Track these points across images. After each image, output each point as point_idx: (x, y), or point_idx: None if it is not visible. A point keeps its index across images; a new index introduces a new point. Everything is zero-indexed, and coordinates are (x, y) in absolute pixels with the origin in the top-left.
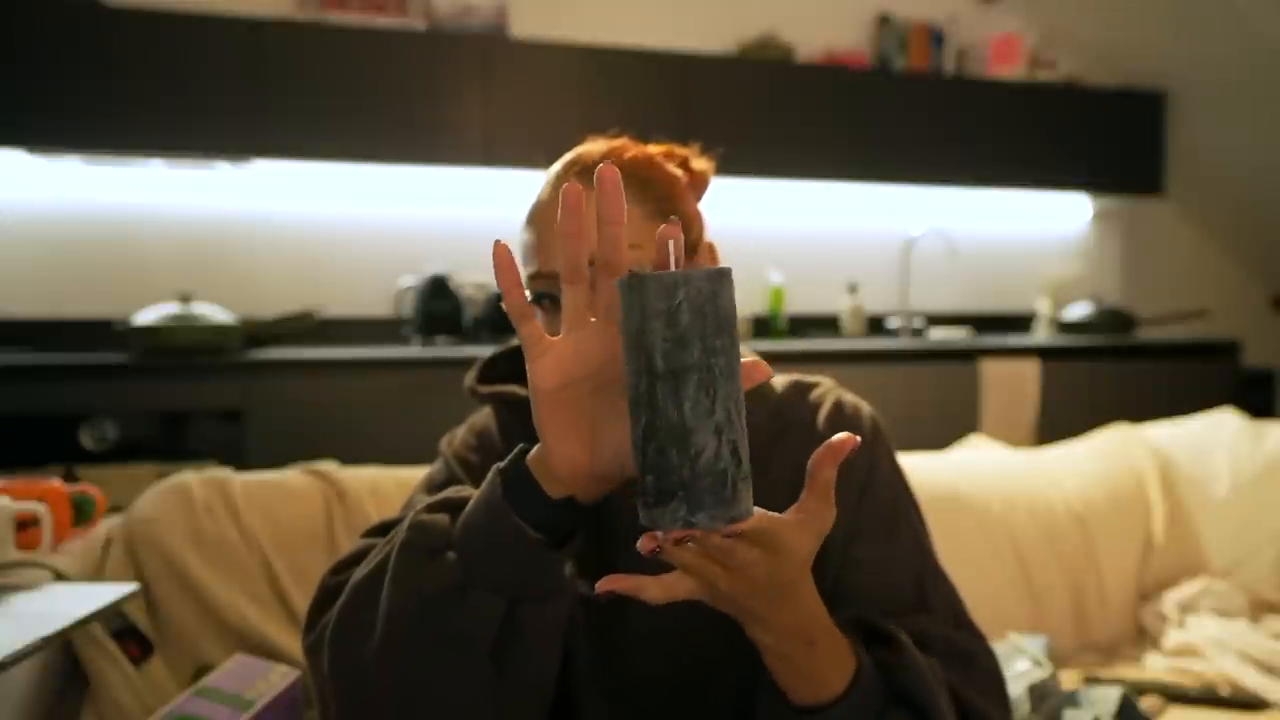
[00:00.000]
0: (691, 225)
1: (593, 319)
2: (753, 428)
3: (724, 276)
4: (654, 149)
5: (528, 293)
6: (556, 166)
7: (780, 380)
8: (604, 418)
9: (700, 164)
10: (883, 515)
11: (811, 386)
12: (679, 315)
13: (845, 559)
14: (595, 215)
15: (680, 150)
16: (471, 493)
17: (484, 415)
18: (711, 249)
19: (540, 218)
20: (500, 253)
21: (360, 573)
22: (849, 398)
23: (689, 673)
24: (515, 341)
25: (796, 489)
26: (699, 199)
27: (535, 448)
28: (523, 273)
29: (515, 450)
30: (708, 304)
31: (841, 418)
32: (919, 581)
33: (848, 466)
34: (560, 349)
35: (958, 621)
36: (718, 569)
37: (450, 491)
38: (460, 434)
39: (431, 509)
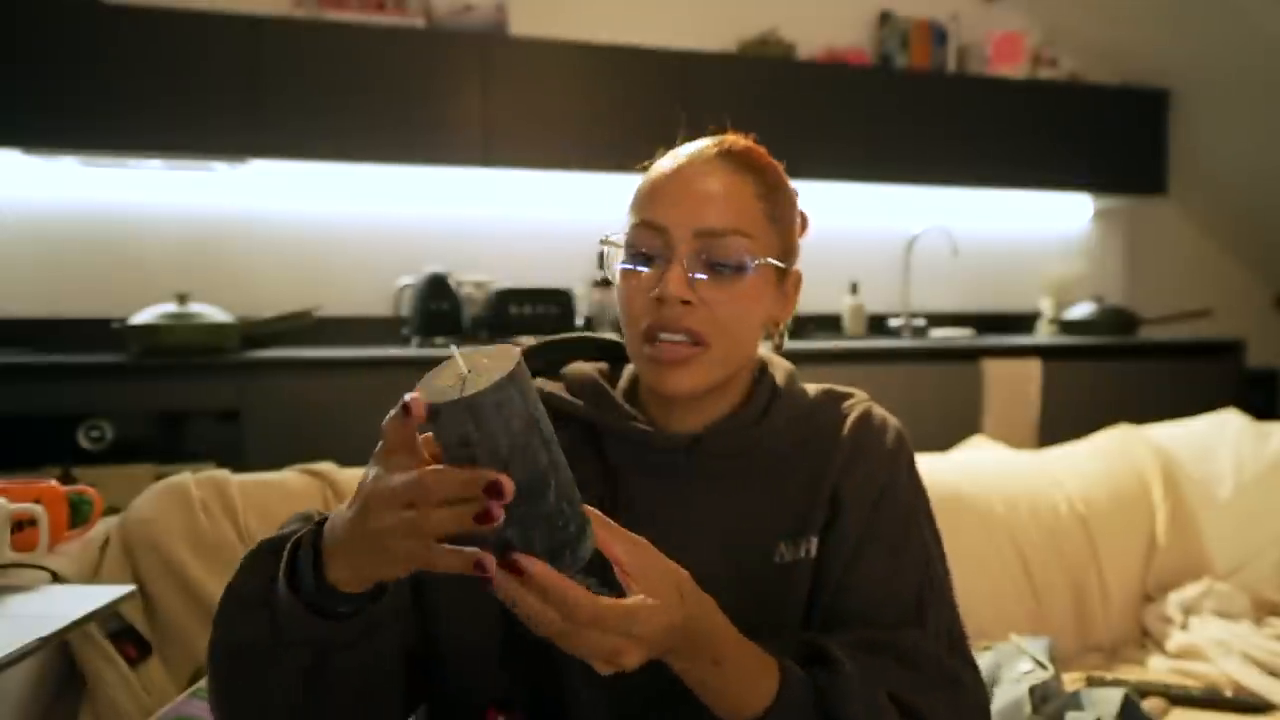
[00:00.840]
0: (792, 247)
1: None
2: (772, 435)
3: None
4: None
5: (624, 240)
6: (696, 145)
7: (814, 388)
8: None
9: (800, 206)
10: (894, 527)
11: (844, 397)
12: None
13: (851, 566)
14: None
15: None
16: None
17: None
18: (797, 283)
19: (654, 180)
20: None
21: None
22: (879, 411)
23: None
24: (547, 338)
25: (813, 495)
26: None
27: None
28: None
29: (308, 532)
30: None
31: (867, 429)
32: (920, 597)
33: (867, 477)
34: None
35: (951, 645)
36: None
37: (294, 523)
38: None
39: (260, 553)
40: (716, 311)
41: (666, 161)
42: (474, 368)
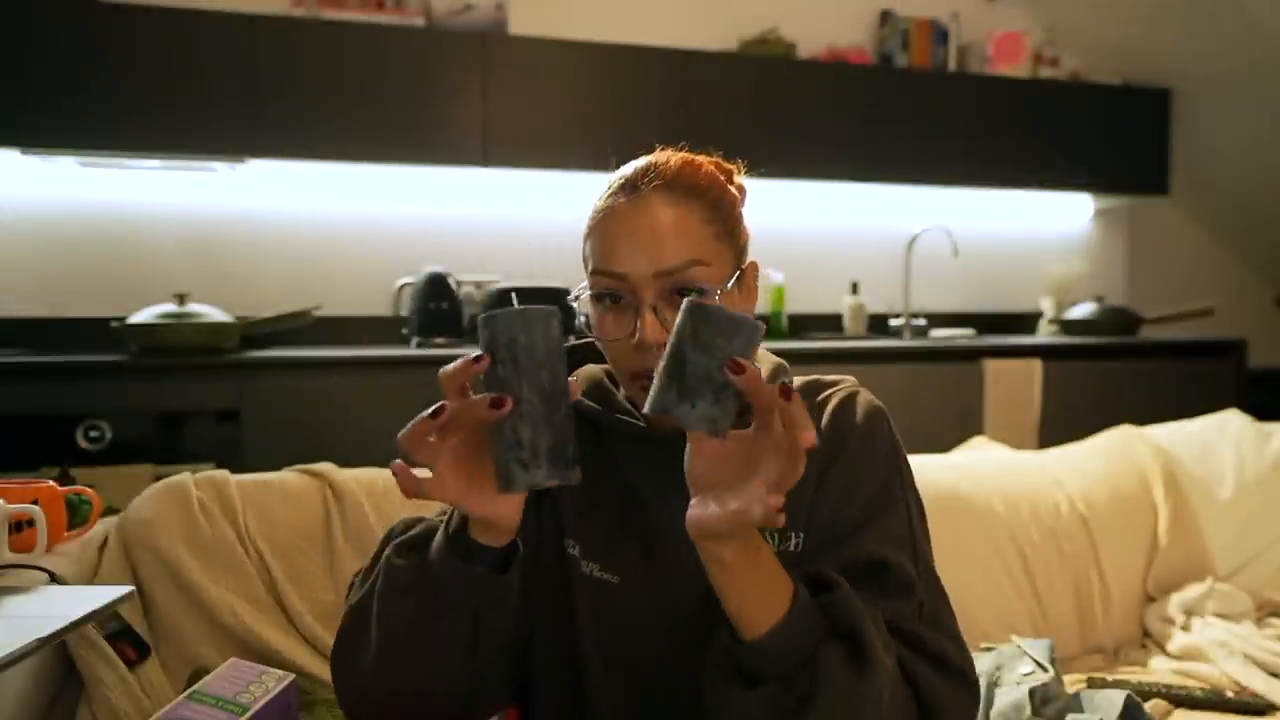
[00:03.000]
0: (744, 249)
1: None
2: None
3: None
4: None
5: (590, 290)
6: (627, 170)
7: (799, 380)
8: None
9: (739, 180)
10: (873, 511)
11: (825, 387)
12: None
13: (834, 557)
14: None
15: (726, 165)
16: (433, 529)
17: None
18: (754, 268)
19: (604, 224)
20: (399, 476)
21: (350, 602)
22: (861, 397)
23: (682, 645)
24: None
25: (797, 488)
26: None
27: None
28: (588, 269)
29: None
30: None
31: (842, 418)
32: (902, 574)
33: (845, 465)
34: (446, 485)
35: (935, 621)
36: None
37: (421, 529)
38: None
39: (400, 551)
40: None
41: (610, 202)
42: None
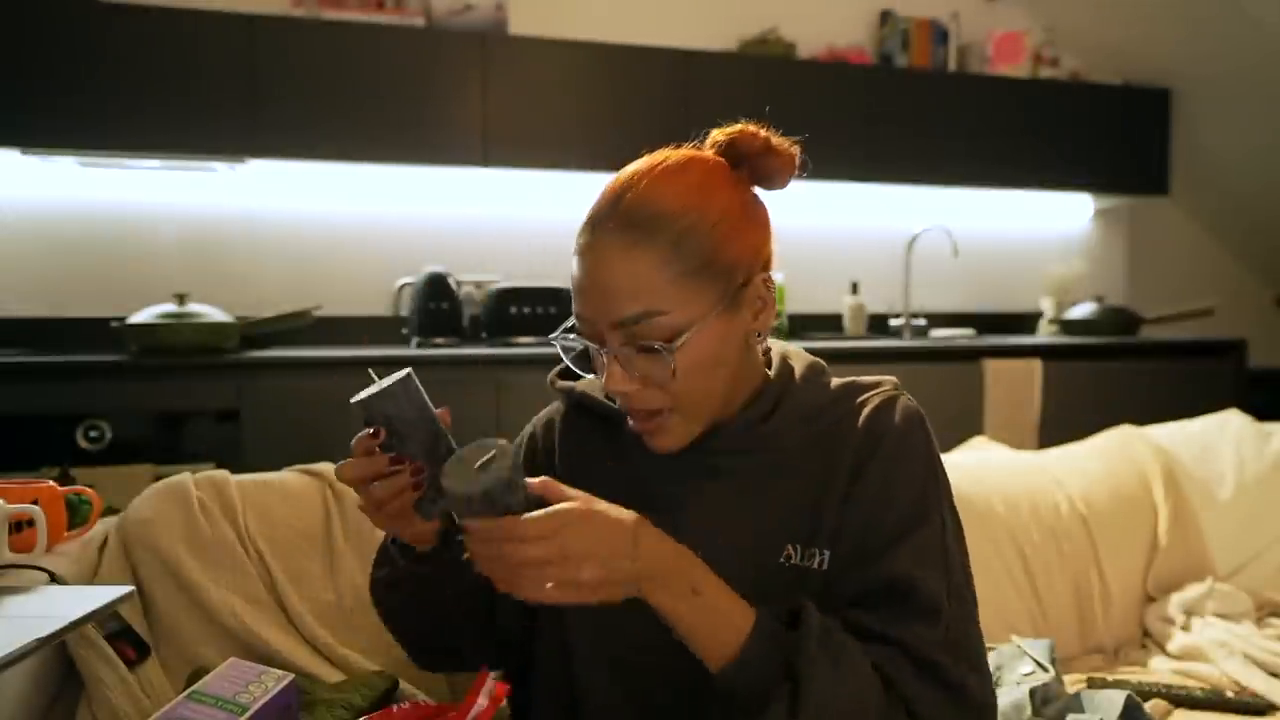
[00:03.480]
0: (735, 270)
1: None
2: (779, 433)
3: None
4: (721, 135)
5: (571, 334)
6: (597, 199)
7: (838, 382)
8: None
9: (784, 146)
10: (906, 525)
11: (862, 389)
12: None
13: (862, 575)
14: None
15: (759, 133)
16: None
17: (556, 405)
18: (766, 283)
19: (574, 262)
20: (367, 512)
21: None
22: (901, 402)
23: (665, 639)
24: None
25: (825, 499)
26: (784, 184)
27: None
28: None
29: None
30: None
31: (880, 425)
32: (929, 595)
33: (878, 479)
34: (382, 524)
35: (959, 651)
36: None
37: None
38: (543, 414)
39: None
40: (666, 386)
41: (579, 239)
42: (379, 381)
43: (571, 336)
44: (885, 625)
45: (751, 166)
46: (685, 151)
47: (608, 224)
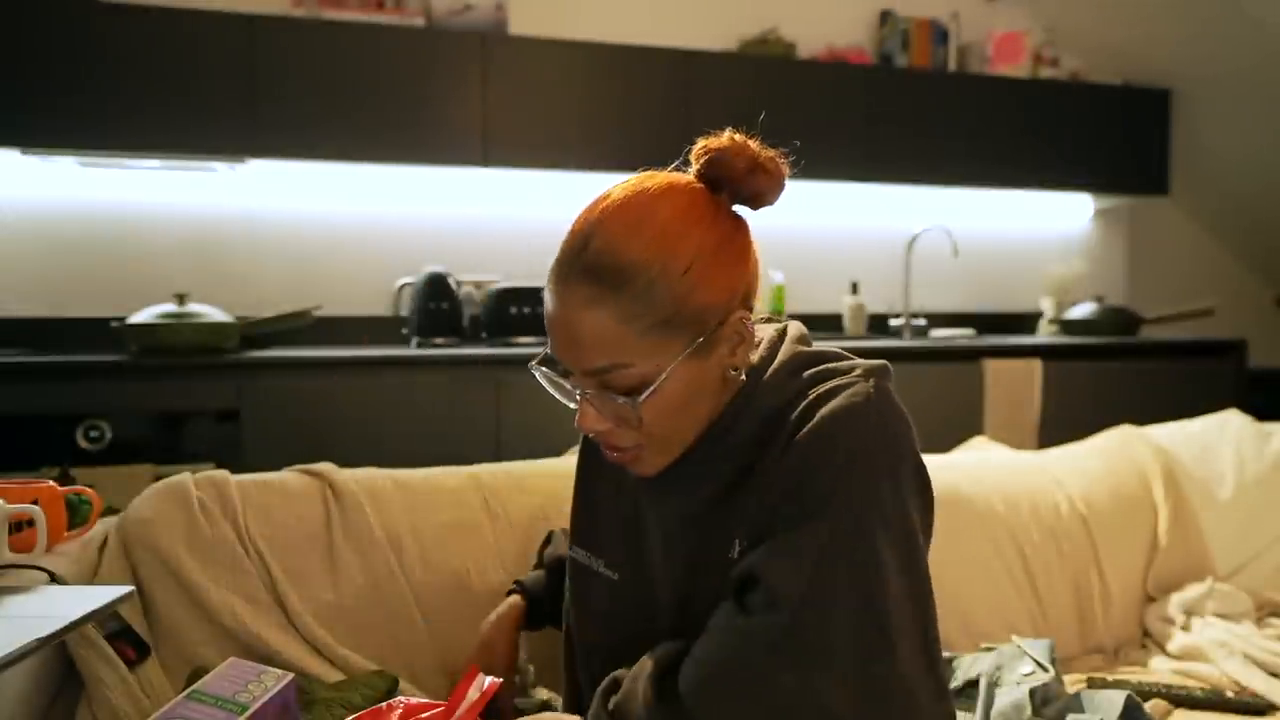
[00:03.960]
0: (706, 316)
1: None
2: (736, 443)
3: None
4: (704, 150)
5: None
6: (566, 240)
7: (810, 370)
8: None
9: (773, 163)
10: (795, 512)
11: (829, 376)
12: None
13: (748, 561)
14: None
15: (746, 148)
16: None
17: None
18: (743, 319)
19: (546, 315)
20: None
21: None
22: (855, 388)
23: (621, 645)
24: None
25: (754, 473)
26: (772, 201)
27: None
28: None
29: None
30: None
31: (812, 408)
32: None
33: (790, 468)
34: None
35: (871, 694)
36: None
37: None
38: None
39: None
40: (640, 427)
41: (548, 283)
42: None
43: (545, 369)
44: (730, 616)
45: (734, 190)
46: (663, 179)
47: (573, 273)
